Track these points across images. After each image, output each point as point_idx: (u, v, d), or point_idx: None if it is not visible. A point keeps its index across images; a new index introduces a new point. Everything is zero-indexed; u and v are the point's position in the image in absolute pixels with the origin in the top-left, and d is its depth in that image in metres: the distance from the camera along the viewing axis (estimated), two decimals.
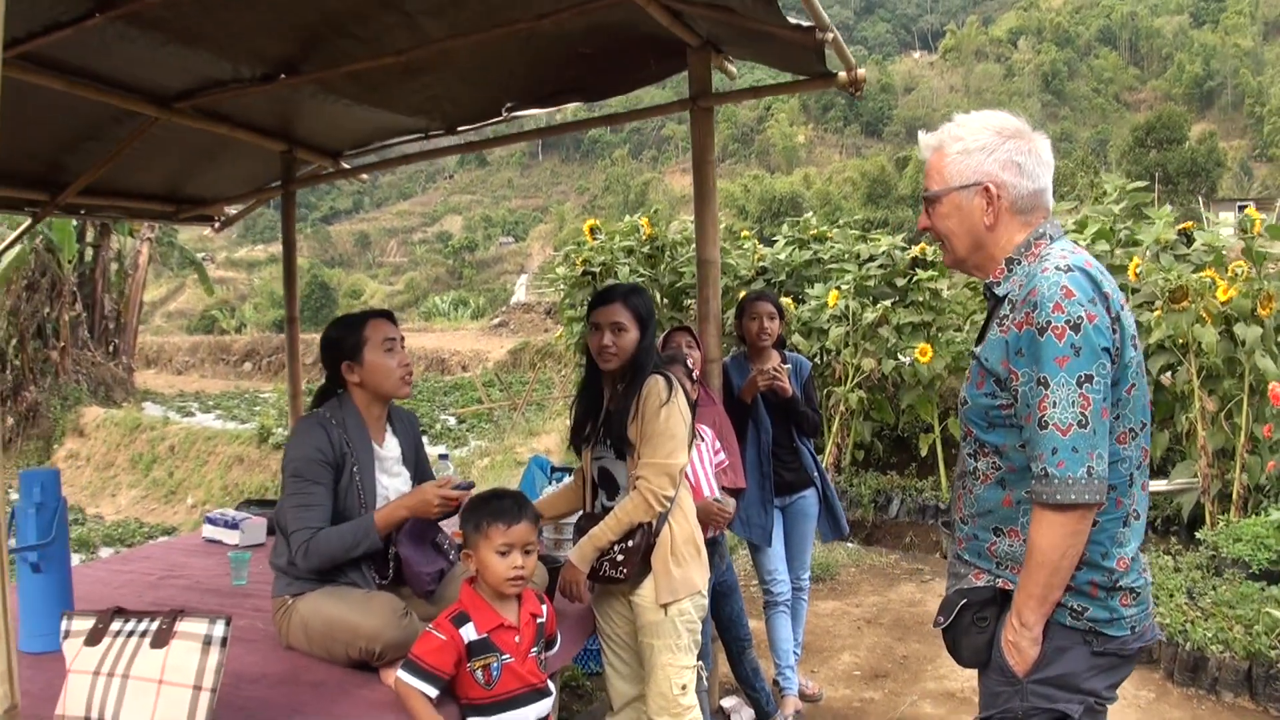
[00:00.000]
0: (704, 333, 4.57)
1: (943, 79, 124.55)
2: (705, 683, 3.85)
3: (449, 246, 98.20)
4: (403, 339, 3.44)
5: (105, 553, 11.74)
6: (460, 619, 2.76)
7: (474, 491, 3.13)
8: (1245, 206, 8.04)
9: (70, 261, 20.89)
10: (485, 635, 2.76)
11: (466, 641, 2.74)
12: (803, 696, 5.00)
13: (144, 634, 2.51)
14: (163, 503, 15.08)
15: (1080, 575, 2.23)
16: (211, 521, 4.95)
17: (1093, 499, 2.13)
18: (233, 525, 4.80)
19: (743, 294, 5.37)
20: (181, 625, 2.50)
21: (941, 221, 2.46)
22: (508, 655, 2.78)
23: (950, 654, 2.45)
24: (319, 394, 3.44)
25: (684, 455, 3.33)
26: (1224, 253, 7.73)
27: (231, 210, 6.53)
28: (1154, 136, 57.01)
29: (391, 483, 3.39)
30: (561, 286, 10.46)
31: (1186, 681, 5.14)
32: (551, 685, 2.93)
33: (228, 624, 2.50)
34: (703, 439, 4.11)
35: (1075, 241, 2.43)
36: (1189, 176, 53.11)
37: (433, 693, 2.70)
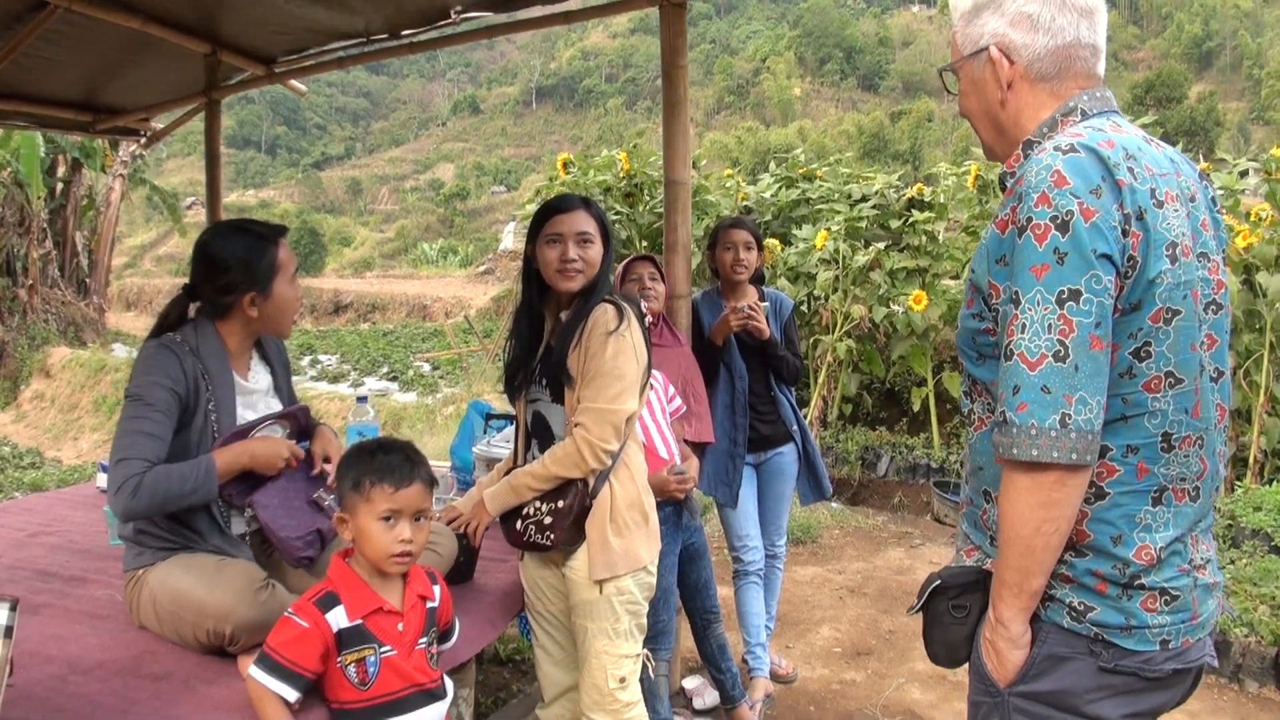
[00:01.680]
0: (671, 264, 3.99)
1: (941, 34, 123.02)
2: (653, 673, 3.28)
3: (440, 194, 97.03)
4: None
5: None
6: (328, 601, 2.16)
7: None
8: (1245, 173, 7.45)
9: (40, 197, 20.00)
10: (359, 622, 2.16)
11: (335, 630, 2.14)
12: (775, 677, 4.47)
13: None
14: None
15: (1080, 563, 1.69)
16: (105, 469, 4.34)
17: (1067, 459, 1.57)
18: None
19: None
20: None
21: (964, 102, 1.95)
22: (388, 647, 2.19)
23: (924, 646, 1.93)
24: (164, 316, 2.78)
25: (633, 401, 2.71)
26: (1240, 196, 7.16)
27: (158, 125, 5.90)
28: (1153, 95, 56.45)
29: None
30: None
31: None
32: (449, 684, 2.34)
33: (13, 609, 1.92)
34: (654, 384, 3.53)
35: None
36: (1188, 135, 52.48)
37: (292, 695, 2.11)
